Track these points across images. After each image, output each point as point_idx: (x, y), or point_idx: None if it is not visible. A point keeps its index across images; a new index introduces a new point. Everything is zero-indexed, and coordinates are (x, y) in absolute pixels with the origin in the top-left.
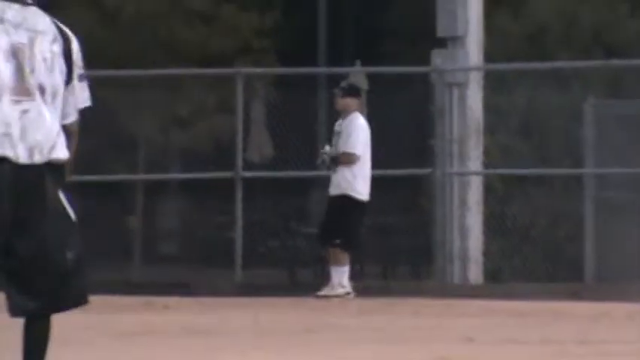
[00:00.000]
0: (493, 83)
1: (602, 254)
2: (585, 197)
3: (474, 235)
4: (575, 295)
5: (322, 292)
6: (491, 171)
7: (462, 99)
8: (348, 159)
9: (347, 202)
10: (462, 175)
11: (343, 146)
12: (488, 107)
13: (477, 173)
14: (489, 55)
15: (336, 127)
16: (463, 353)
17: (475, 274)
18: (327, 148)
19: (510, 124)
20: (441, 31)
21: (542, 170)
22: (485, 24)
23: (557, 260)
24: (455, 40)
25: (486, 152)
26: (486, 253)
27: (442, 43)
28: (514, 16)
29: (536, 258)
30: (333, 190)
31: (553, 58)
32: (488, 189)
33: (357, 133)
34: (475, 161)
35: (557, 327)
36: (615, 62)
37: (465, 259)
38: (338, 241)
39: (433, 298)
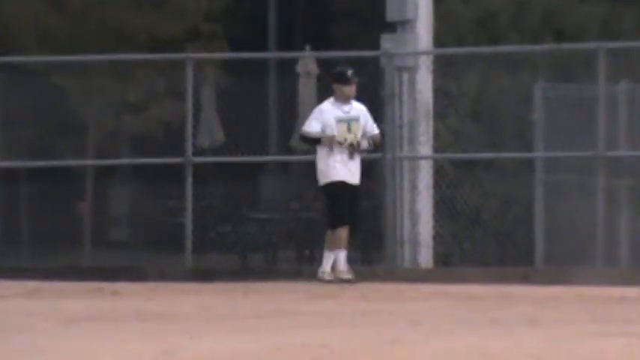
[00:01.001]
0: (443, 67)
1: (552, 238)
2: (535, 181)
3: (425, 220)
4: (525, 279)
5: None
6: (441, 155)
7: (412, 83)
8: (380, 140)
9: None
10: (412, 159)
11: (372, 129)
12: (438, 91)
13: (427, 157)
14: (439, 40)
15: (349, 114)
16: (413, 337)
17: (426, 258)
18: (349, 136)
19: (460, 108)
20: (390, 16)
21: (493, 154)
22: (435, 8)
23: (507, 244)
24: (404, 24)
25: (436, 136)
26: (437, 238)
27: (392, 27)
28: (464, 1)
29: (486, 242)
30: (356, 178)
31: (503, 42)
32: (439, 173)
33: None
34: (425, 145)
35: (507, 310)
36: (564, 46)
37: (415, 243)
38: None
39: (383, 282)
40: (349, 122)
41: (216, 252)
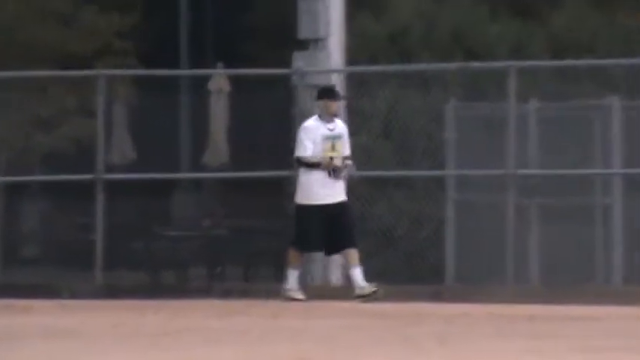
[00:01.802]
0: (355, 85)
1: (463, 256)
2: (446, 199)
3: None
4: (436, 296)
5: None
6: (353, 173)
7: None
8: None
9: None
10: None
11: (345, 149)
12: (351, 109)
13: None
14: (351, 57)
15: (334, 131)
16: (323, 354)
17: (336, 275)
18: (333, 154)
19: (372, 126)
20: (302, 33)
21: (404, 172)
22: (347, 26)
23: (418, 262)
24: (316, 42)
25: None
26: None
27: (304, 45)
28: (376, 18)
29: (397, 259)
30: (342, 196)
31: (415, 60)
32: (351, 191)
33: None
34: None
35: (417, 328)
36: (475, 65)
37: (326, 260)
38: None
39: (294, 300)
40: (334, 140)
41: (127, 269)
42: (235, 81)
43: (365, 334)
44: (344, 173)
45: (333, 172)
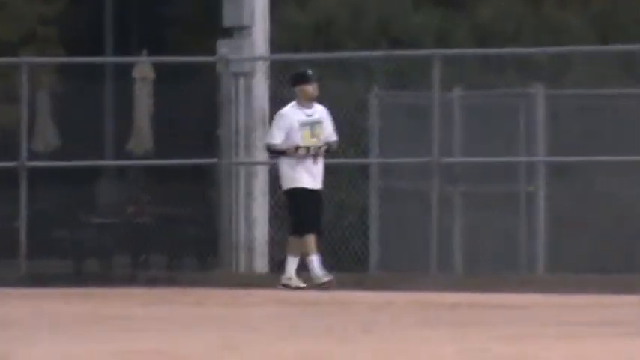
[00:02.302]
0: (279, 73)
1: (387, 244)
2: (370, 187)
3: (260, 225)
4: (360, 284)
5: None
6: (277, 161)
7: (248, 89)
8: (335, 148)
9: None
10: (247, 165)
11: (331, 135)
12: (275, 97)
13: (262, 163)
14: (276, 45)
15: (313, 117)
16: (247, 342)
17: (261, 263)
18: (312, 142)
19: None
20: (227, 21)
21: (328, 160)
22: (271, 14)
23: (342, 250)
24: (241, 30)
25: None
26: (272, 243)
27: (228, 32)
28: (301, 7)
29: (322, 248)
30: (318, 185)
31: (339, 48)
32: (274, 179)
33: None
34: (261, 151)
35: (341, 316)
36: (400, 53)
37: (250, 248)
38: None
39: (219, 287)
40: (312, 126)
41: (52, 257)
42: (160, 68)
43: (289, 322)
44: (316, 156)
45: (313, 158)
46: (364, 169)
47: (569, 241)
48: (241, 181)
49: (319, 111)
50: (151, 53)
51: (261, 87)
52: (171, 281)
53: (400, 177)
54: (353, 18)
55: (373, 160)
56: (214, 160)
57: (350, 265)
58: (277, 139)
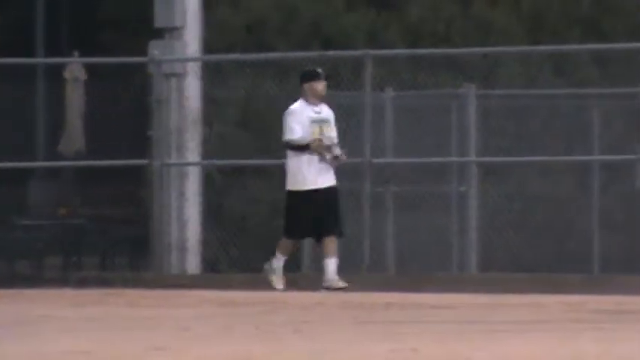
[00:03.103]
0: (211, 74)
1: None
2: None
3: (192, 226)
4: (292, 285)
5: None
6: (209, 162)
7: (180, 90)
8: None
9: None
10: (180, 165)
11: (336, 135)
12: (207, 98)
13: (194, 164)
14: (208, 46)
15: (321, 115)
16: (179, 343)
17: (193, 264)
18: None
19: (229, 115)
20: (158, 22)
21: (261, 161)
22: (203, 14)
23: (274, 250)
24: (173, 31)
25: (204, 143)
26: (204, 244)
27: (160, 33)
28: (233, 7)
29: (253, 248)
30: (330, 181)
31: (272, 49)
32: (207, 180)
33: None
34: (193, 152)
35: (272, 316)
36: (331, 54)
37: (182, 249)
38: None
39: (150, 288)
40: (321, 124)
41: None
42: (91, 69)
43: (220, 322)
44: (337, 155)
45: (334, 159)
46: None
47: (501, 241)
48: (173, 182)
49: (326, 110)
50: (83, 54)
51: (193, 88)
52: (102, 282)
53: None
54: (285, 18)
55: None
56: (146, 161)
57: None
58: (297, 132)
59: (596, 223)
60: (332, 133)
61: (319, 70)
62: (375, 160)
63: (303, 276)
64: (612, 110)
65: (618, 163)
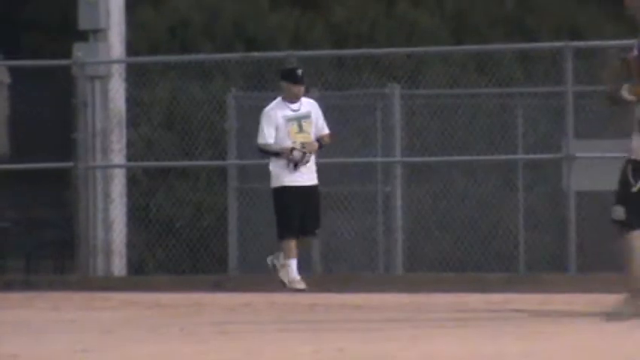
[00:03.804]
0: (136, 76)
1: (245, 245)
2: (228, 189)
3: (118, 228)
4: (219, 286)
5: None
6: (134, 164)
7: (105, 92)
8: (329, 141)
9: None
10: (105, 168)
11: (322, 128)
12: (132, 100)
13: (120, 166)
14: (132, 48)
15: (299, 111)
16: (104, 346)
17: (119, 266)
18: (299, 137)
19: (154, 117)
20: (82, 24)
21: (186, 162)
22: (127, 17)
23: (200, 252)
24: (96, 33)
25: (129, 145)
26: (130, 246)
27: (84, 36)
28: (156, 9)
29: (180, 250)
30: (312, 180)
31: (196, 50)
32: (132, 181)
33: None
34: (118, 154)
35: (198, 318)
36: (255, 55)
37: (108, 252)
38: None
39: (76, 291)
40: (299, 120)
41: None
42: (15, 72)
43: (145, 324)
44: (305, 159)
45: (294, 165)
46: (222, 171)
47: (427, 240)
48: (98, 184)
49: (306, 104)
50: (7, 57)
51: (117, 90)
52: (27, 285)
53: (258, 178)
54: (208, 19)
55: (231, 161)
56: (71, 164)
57: (209, 267)
58: (270, 137)
59: (522, 222)
60: (314, 127)
61: (299, 72)
62: None
63: (230, 278)
64: (536, 109)
65: (543, 162)
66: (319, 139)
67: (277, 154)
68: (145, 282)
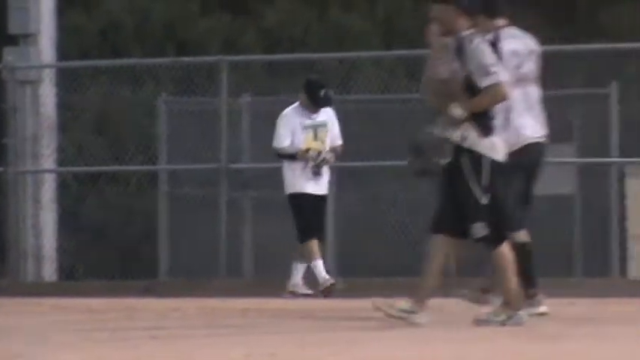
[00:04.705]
0: (67, 81)
1: (177, 250)
2: (159, 194)
3: (48, 233)
4: (149, 292)
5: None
6: (64, 169)
7: (35, 97)
8: (340, 152)
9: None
10: (35, 173)
11: (336, 139)
12: (62, 105)
13: (50, 171)
14: (63, 53)
15: (316, 119)
16: (35, 351)
17: (49, 271)
18: (314, 145)
19: (84, 122)
20: (12, 28)
21: (116, 167)
22: (59, 21)
23: (131, 257)
24: (27, 38)
25: (60, 150)
26: (61, 251)
27: (14, 40)
28: (87, 13)
29: (110, 255)
30: (322, 189)
31: (126, 54)
32: (63, 186)
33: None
34: (49, 159)
35: (128, 323)
36: (186, 59)
37: (39, 257)
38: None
39: (6, 296)
40: (316, 129)
41: None
42: None
43: (76, 330)
44: (321, 164)
45: (315, 171)
46: (153, 176)
47: (357, 246)
48: (29, 189)
49: (323, 113)
50: None
51: (48, 95)
52: None
53: (189, 183)
54: (139, 23)
55: (161, 166)
56: (1, 169)
57: (139, 272)
58: (286, 140)
59: None
60: (330, 137)
61: (322, 93)
62: (232, 166)
63: (160, 283)
64: None
65: None
66: (333, 150)
67: (293, 157)
68: (76, 287)
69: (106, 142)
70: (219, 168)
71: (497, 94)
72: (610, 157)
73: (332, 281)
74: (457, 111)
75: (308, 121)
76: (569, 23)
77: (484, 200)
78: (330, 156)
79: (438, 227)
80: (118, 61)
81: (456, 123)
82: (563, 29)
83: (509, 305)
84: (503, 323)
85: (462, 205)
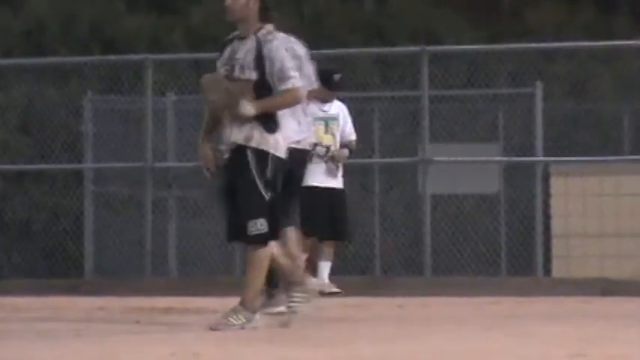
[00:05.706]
0: None
1: (102, 249)
2: (85, 192)
3: None
4: (74, 290)
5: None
6: None
7: None
8: (355, 148)
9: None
10: None
11: (350, 134)
12: None
13: None
14: None
15: (328, 112)
16: None
17: None
18: (325, 138)
19: (9, 120)
20: None
21: (42, 166)
22: None
23: (57, 256)
24: None
25: None
26: None
27: None
28: (13, 12)
29: (36, 254)
30: (338, 182)
31: (52, 53)
32: None
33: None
34: None
35: (53, 322)
36: (112, 58)
37: None
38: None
39: None
40: (327, 121)
41: None
42: None
43: (1, 329)
44: (329, 155)
45: (331, 164)
46: (78, 174)
47: None
48: None
49: (336, 106)
50: None
51: None
52: None
53: (115, 182)
54: (65, 22)
55: (87, 165)
56: None
57: (65, 271)
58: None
59: (378, 225)
60: (342, 130)
61: (337, 77)
62: (157, 165)
63: (86, 282)
64: (392, 113)
65: (399, 166)
66: (347, 145)
67: None
68: (1, 286)
69: (32, 140)
70: (145, 167)
71: (294, 98)
72: (535, 156)
73: (336, 289)
74: (248, 108)
75: (320, 114)
76: (494, 23)
77: (268, 196)
78: (339, 152)
79: (235, 235)
80: (43, 60)
81: (244, 120)
82: (488, 29)
83: (246, 306)
84: (242, 327)
85: (243, 203)
